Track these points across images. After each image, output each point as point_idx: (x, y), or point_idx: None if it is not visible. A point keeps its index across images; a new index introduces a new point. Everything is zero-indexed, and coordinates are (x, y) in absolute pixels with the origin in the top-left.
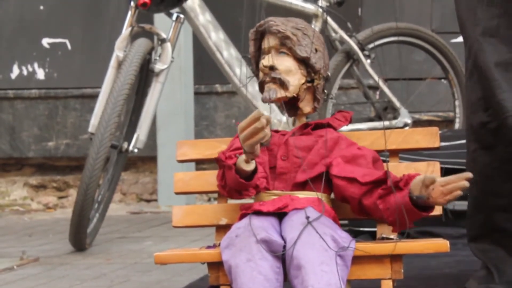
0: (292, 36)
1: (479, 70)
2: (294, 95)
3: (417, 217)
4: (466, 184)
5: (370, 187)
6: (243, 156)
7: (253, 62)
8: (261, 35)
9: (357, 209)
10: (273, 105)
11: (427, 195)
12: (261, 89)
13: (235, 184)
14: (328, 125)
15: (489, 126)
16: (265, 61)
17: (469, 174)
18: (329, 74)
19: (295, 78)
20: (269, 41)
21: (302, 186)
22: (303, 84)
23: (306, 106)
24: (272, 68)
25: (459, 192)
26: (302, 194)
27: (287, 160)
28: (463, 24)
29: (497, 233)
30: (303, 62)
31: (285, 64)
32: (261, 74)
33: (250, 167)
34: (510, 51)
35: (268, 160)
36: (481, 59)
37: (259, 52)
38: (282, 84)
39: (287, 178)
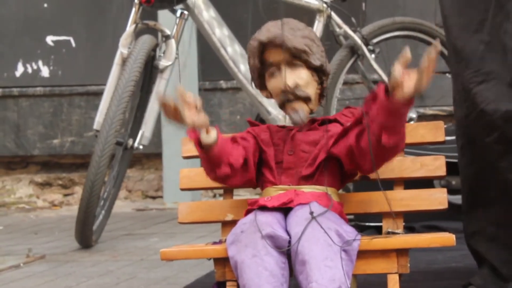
0: (306, 49)
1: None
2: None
3: (397, 110)
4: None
5: (360, 129)
6: (203, 134)
7: (255, 75)
8: (264, 47)
9: (363, 160)
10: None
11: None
12: (283, 107)
13: (203, 159)
14: (336, 121)
15: (470, 117)
16: (289, 81)
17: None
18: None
19: (312, 89)
20: (279, 54)
21: (309, 180)
22: (316, 89)
23: (314, 106)
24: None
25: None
26: (308, 189)
27: (294, 154)
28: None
29: (493, 226)
30: (315, 69)
31: (303, 78)
32: (276, 91)
33: (209, 138)
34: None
35: (275, 154)
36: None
37: (262, 65)
38: (307, 100)
39: (293, 173)
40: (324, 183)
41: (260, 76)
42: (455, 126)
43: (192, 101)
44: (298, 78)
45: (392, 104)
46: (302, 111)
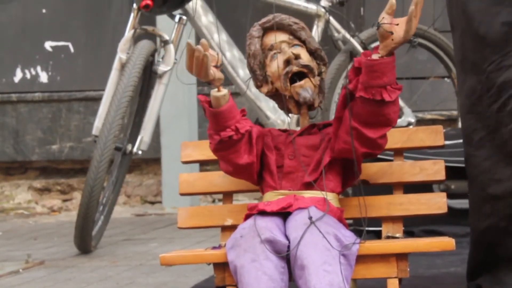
0: (304, 26)
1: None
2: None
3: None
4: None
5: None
6: (215, 90)
7: (257, 61)
8: (263, 32)
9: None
10: (276, 105)
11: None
12: (286, 80)
13: (212, 120)
14: None
15: (495, 105)
16: (294, 50)
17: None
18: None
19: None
20: (279, 36)
21: (311, 185)
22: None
23: (316, 98)
24: (297, 57)
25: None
26: (307, 194)
27: (295, 159)
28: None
29: (505, 220)
30: (313, 54)
31: (303, 53)
32: (281, 66)
33: (221, 93)
34: None
35: (276, 159)
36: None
37: (263, 53)
38: (311, 71)
39: (294, 177)
40: (325, 189)
41: (261, 75)
42: (470, 121)
43: (215, 56)
44: (299, 53)
45: (377, 61)
46: (310, 88)
